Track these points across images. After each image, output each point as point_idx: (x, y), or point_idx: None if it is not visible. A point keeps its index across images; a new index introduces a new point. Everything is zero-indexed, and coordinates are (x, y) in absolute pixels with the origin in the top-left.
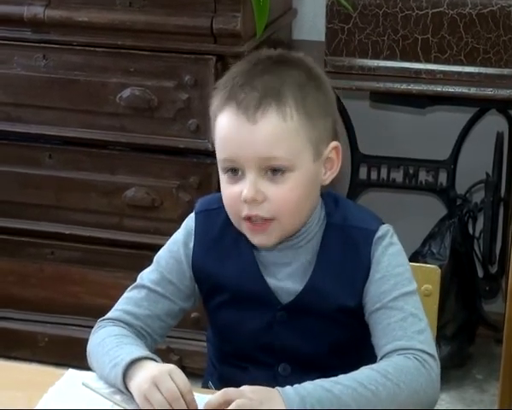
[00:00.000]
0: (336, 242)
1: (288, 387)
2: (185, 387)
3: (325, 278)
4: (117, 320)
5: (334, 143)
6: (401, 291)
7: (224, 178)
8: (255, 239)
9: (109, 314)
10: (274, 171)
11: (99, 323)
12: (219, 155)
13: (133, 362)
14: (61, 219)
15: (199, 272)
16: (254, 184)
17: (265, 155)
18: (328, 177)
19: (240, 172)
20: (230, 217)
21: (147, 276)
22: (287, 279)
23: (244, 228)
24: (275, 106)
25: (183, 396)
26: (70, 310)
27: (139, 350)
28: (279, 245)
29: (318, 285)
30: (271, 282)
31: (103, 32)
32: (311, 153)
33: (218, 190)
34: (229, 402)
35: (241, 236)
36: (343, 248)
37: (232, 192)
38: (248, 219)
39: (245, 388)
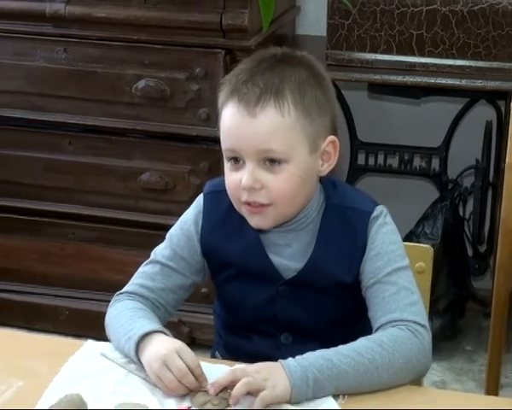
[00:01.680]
0: (335, 222)
1: (290, 359)
2: (193, 363)
3: (324, 256)
4: (133, 294)
5: (331, 138)
6: (394, 267)
7: (227, 166)
8: (252, 221)
9: (126, 288)
10: (271, 161)
11: (116, 296)
12: (223, 145)
13: (145, 336)
14: (80, 201)
15: (207, 248)
16: (253, 173)
17: (263, 147)
18: (325, 168)
19: (241, 161)
20: (232, 201)
21: (160, 252)
22: (289, 259)
23: (243, 211)
24: (273, 102)
25: (191, 372)
26: (89, 285)
27: (151, 324)
28: (280, 228)
29: (318, 263)
30: (275, 259)
31: (120, 28)
32: (306, 146)
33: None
34: (236, 382)
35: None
36: (341, 228)
37: (234, 179)
38: (248, 203)
39: (250, 367)
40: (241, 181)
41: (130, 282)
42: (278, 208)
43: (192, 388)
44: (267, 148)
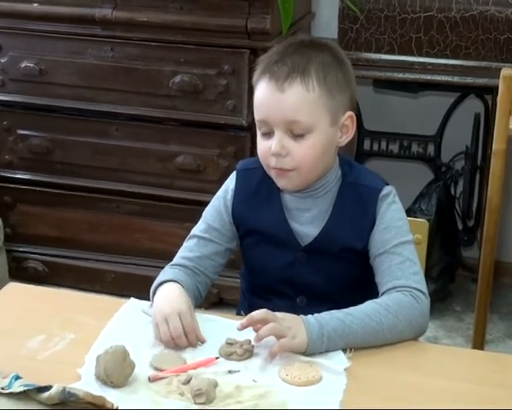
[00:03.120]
0: (349, 196)
1: (309, 316)
2: (190, 328)
3: (338, 224)
4: (176, 265)
5: (349, 113)
6: (400, 240)
7: (259, 134)
8: (279, 183)
9: (173, 261)
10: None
11: (165, 267)
12: (256, 117)
13: (162, 282)
14: (125, 179)
15: (237, 217)
16: (280, 141)
17: (290, 119)
18: (343, 139)
19: (271, 132)
20: (263, 164)
21: (197, 228)
22: (307, 224)
23: (272, 174)
24: (300, 79)
25: (186, 334)
26: (132, 252)
27: (171, 275)
28: (301, 194)
29: (332, 230)
30: (294, 226)
31: (159, 30)
32: (328, 119)
33: (251, 157)
34: (266, 321)
35: (273, 190)
36: (354, 202)
37: (264, 146)
38: (275, 168)
39: (279, 314)
40: (270, 148)
41: (176, 255)
42: (301, 173)
43: (182, 346)
44: (293, 119)
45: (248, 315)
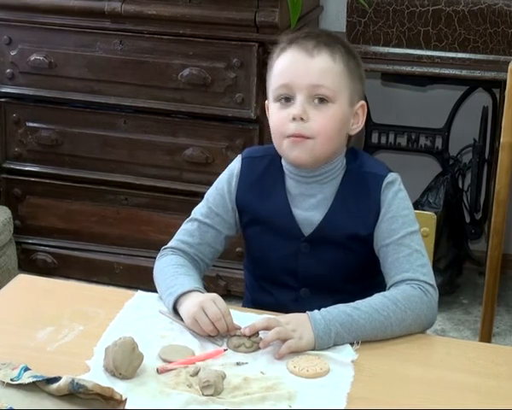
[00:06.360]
0: (353, 182)
1: (316, 311)
2: (225, 311)
3: (342, 210)
4: (175, 249)
5: (362, 102)
6: (407, 230)
7: (275, 107)
8: (294, 153)
9: (170, 243)
10: (320, 100)
11: (162, 251)
12: (276, 84)
13: (183, 294)
14: (133, 172)
15: (241, 205)
16: (303, 105)
17: (316, 83)
18: (354, 128)
19: (291, 100)
20: (276, 138)
21: (198, 210)
22: (311, 210)
23: (285, 144)
24: (327, 49)
25: (223, 318)
26: (140, 244)
27: (190, 283)
28: (307, 179)
29: (335, 216)
30: (297, 213)
31: (168, 23)
32: (347, 97)
33: None
34: (269, 328)
35: (277, 178)
36: (358, 188)
37: (282, 115)
38: (293, 135)
39: (281, 318)
40: (288, 115)
41: (174, 237)
42: (317, 143)
43: (222, 331)
44: (320, 83)
45: (251, 324)
